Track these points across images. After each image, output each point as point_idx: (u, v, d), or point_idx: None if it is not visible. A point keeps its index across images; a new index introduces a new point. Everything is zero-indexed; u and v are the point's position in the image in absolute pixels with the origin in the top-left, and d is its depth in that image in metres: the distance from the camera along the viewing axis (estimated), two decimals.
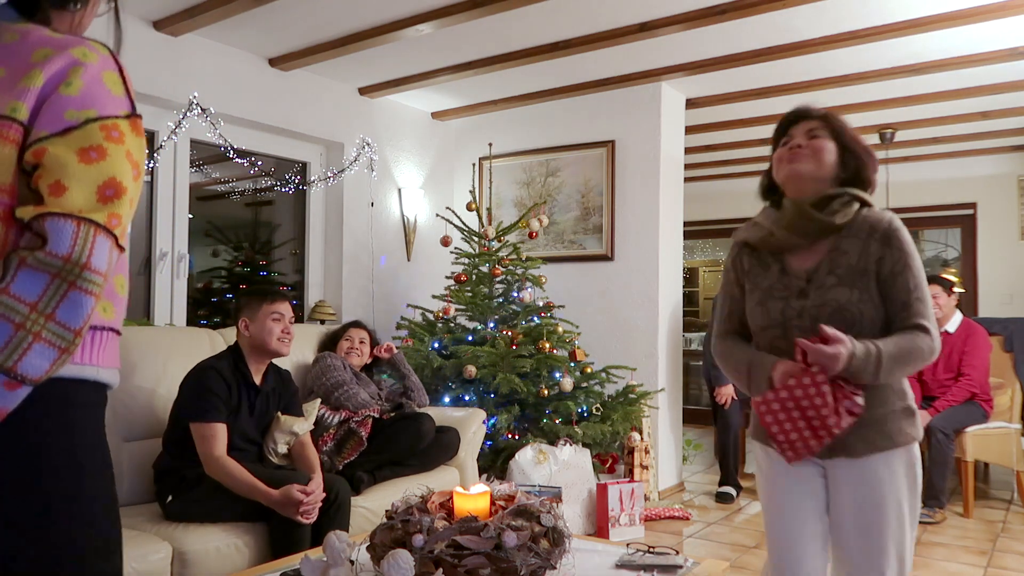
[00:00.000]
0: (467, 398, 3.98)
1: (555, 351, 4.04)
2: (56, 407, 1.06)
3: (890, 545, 1.63)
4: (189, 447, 2.56)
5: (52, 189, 1.00)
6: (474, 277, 4.34)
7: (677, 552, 2.17)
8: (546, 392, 3.90)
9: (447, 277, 4.51)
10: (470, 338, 4.13)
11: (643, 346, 4.62)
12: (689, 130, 5.27)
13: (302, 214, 4.73)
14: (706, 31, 3.73)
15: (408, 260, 5.09)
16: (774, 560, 1.77)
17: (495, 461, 3.87)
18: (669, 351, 4.73)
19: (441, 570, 1.73)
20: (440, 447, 3.36)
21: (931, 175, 6.72)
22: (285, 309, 2.81)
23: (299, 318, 4.57)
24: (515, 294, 4.26)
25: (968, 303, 6.50)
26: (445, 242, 4.48)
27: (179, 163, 4.00)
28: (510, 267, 4.30)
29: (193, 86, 3.81)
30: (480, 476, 3.54)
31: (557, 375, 3.99)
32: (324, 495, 2.57)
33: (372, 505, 2.91)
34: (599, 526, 3.73)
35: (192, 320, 4.13)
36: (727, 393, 4.56)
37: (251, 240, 4.72)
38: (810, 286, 1.67)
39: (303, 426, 2.86)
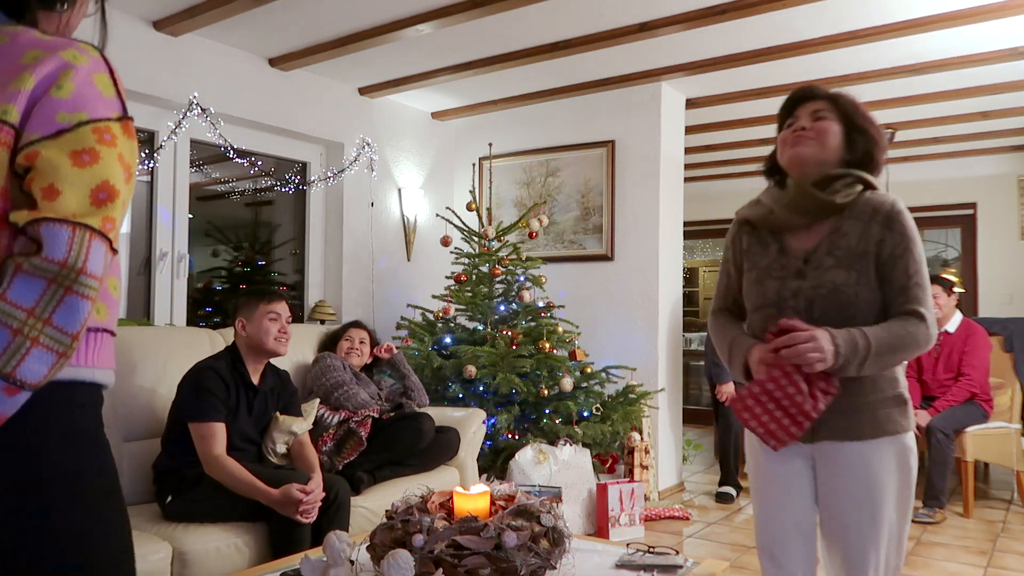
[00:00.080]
0: (467, 398, 3.99)
1: (555, 351, 4.04)
2: (55, 409, 1.06)
3: (878, 534, 1.59)
4: (188, 447, 2.56)
5: (46, 193, 1.00)
6: (474, 277, 4.34)
7: (677, 552, 2.17)
8: (546, 392, 3.90)
9: (447, 277, 4.51)
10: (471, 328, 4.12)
11: (643, 346, 4.62)
12: (689, 130, 5.27)
13: (302, 214, 4.73)
14: (706, 31, 3.73)
15: (408, 260, 5.09)
16: (762, 543, 1.75)
17: (495, 461, 3.87)
18: (669, 351, 4.73)
19: (441, 570, 1.73)
20: (440, 447, 3.36)
21: (931, 175, 6.72)
22: (282, 309, 2.80)
23: (299, 318, 4.57)
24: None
25: (968, 303, 6.50)
26: (445, 242, 4.48)
27: (179, 163, 4.00)
28: (510, 267, 4.30)
29: (193, 86, 3.81)
30: (480, 476, 3.54)
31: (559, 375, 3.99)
32: (324, 494, 2.57)
33: (372, 505, 2.91)
34: (599, 526, 3.73)
35: (192, 320, 4.14)
36: (728, 391, 4.55)
37: (251, 240, 4.72)
38: (807, 267, 1.64)
39: (302, 426, 2.86)
